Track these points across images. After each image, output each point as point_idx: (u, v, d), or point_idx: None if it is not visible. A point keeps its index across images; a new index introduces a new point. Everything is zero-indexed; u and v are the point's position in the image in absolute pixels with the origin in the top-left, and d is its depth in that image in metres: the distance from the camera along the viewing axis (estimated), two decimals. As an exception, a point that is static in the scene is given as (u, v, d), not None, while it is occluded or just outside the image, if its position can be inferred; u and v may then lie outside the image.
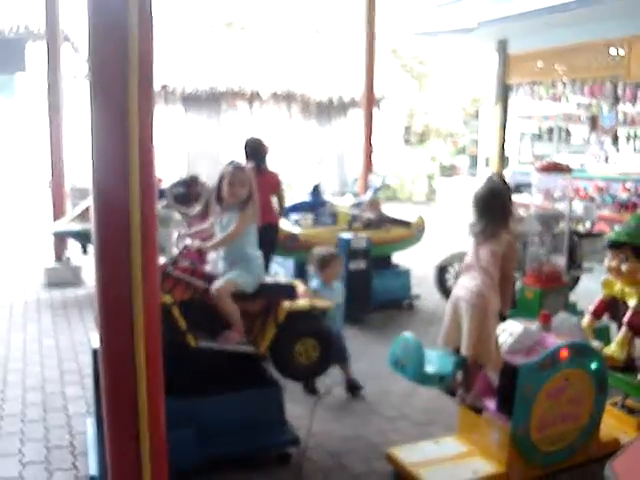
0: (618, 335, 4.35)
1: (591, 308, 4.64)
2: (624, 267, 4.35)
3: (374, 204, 7.67)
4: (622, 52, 8.88)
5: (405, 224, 7.64)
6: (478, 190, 3.80)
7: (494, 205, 3.70)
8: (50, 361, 5.59)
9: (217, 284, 3.80)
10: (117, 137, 2.25)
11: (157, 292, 2.46)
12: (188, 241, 3.95)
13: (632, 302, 4.30)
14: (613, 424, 4.24)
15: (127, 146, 2.25)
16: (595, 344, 4.23)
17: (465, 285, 3.74)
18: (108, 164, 2.29)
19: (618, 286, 4.45)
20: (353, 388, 4.92)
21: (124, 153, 2.26)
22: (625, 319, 4.31)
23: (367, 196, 8.02)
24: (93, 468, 3.53)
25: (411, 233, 7.64)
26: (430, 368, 3.70)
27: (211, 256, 4.14)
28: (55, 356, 5.72)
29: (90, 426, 3.99)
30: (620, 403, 4.54)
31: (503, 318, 3.78)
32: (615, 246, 4.42)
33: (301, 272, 7.26)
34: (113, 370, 2.42)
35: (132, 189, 2.26)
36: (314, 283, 4.81)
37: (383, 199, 8.85)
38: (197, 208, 7.43)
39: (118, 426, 2.47)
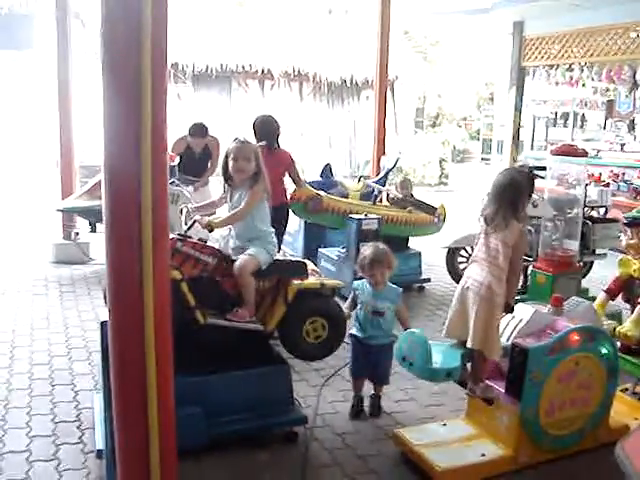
0: (633, 314, 4.31)
1: (606, 287, 4.59)
2: None
3: (405, 184, 7.63)
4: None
5: (430, 209, 7.57)
6: (498, 177, 3.75)
7: (510, 195, 3.64)
8: (58, 337, 5.59)
9: (240, 260, 3.77)
10: (130, 114, 2.20)
11: (167, 268, 2.43)
12: (197, 217, 3.91)
13: None
14: (623, 410, 4.20)
15: (139, 122, 2.20)
16: (607, 323, 4.20)
17: (473, 276, 3.69)
18: (119, 139, 2.26)
19: (636, 265, 4.40)
20: (377, 407, 4.34)
21: (136, 129, 2.21)
22: None
23: (380, 176, 7.96)
24: (100, 442, 3.52)
25: (431, 219, 7.59)
26: (437, 363, 3.65)
27: (219, 232, 4.08)
28: (63, 332, 5.72)
29: (97, 401, 3.99)
30: (631, 390, 4.51)
31: (509, 308, 3.72)
32: (635, 224, 4.38)
33: (310, 249, 7.24)
34: (122, 345, 2.40)
35: (144, 167, 2.21)
36: (361, 291, 4.23)
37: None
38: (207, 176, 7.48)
39: (126, 401, 2.45)
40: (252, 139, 5.34)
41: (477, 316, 3.58)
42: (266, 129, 6.13)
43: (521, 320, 3.78)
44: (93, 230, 7.68)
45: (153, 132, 2.21)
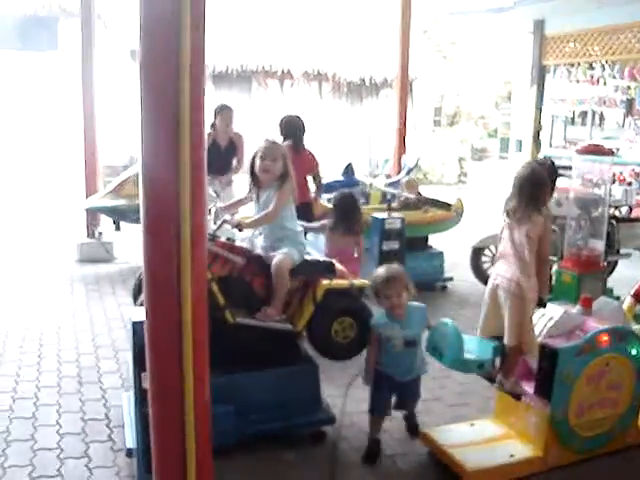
0: None
1: (633, 290, 4.56)
2: None
3: (411, 185, 7.58)
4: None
5: (444, 205, 7.54)
6: (519, 171, 3.75)
7: (532, 188, 3.64)
8: (84, 335, 5.65)
9: (277, 259, 3.80)
10: (168, 110, 2.20)
11: (205, 269, 2.44)
12: (227, 216, 3.93)
13: None
14: (652, 411, 4.17)
15: (177, 126, 2.21)
16: (636, 327, 4.17)
17: (502, 274, 3.69)
18: (157, 139, 2.25)
19: None
20: (415, 427, 4.06)
21: (174, 128, 2.21)
22: None
23: (400, 176, 7.95)
24: (130, 441, 3.55)
25: (450, 215, 7.54)
26: (469, 354, 3.65)
27: (246, 233, 4.11)
28: (89, 330, 5.77)
29: (126, 400, 4.02)
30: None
31: (542, 303, 3.71)
32: None
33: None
34: (159, 346, 2.41)
35: (182, 167, 2.21)
36: (383, 327, 3.72)
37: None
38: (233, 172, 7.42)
39: (163, 402, 2.46)
40: (277, 138, 5.36)
41: (510, 313, 3.58)
42: (292, 128, 6.18)
43: (551, 318, 3.77)
44: (117, 229, 7.75)
45: (191, 132, 2.22)
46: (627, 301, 4.53)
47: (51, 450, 3.75)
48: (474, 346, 3.76)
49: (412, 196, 7.38)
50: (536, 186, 3.65)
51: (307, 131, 6.34)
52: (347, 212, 5.56)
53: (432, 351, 3.78)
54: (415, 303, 3.75)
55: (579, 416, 3.65)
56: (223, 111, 7.24)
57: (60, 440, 3.86)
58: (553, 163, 3.91)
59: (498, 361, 3.74)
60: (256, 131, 15.37)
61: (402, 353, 3.68)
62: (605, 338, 3.63)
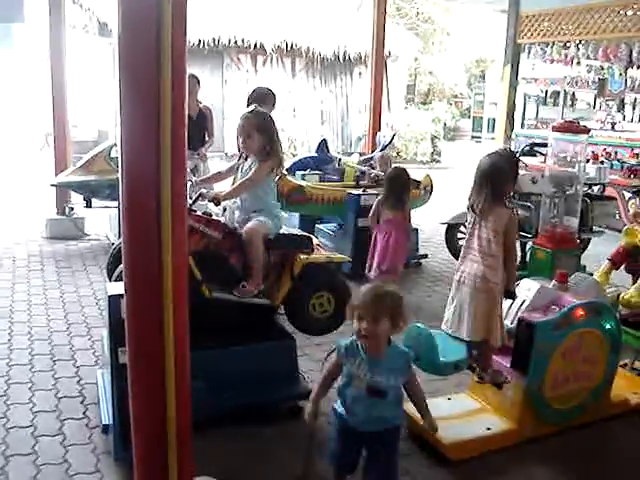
0: (638, 281, 4.35)
1: (610, 255, 4.62)
2: None
3: (385, 160, 7.52)
4: (639, 14, 8.67)
5: (414, 183, 7.52)
6: (480, 164, 3.70)
7: (493, 182, 3.59)
8: (56, 313, 5.56)
9: (249, 225, 3.75)
10: (148, 92, 2.13)
11: (185, 239, 2.38)
12: (203, 190, 3.87)
13: None
14: (623, 385, 4.24)
15: (158, 102, 2.14)
16: (611, 289, 4.23)
17: (467, 270, 3.66)
18: (137, 117, 2.18)
19: None
20: None
21: (155, 109, 2.14)
22: None
23: (375, 153, 7.91)
24: (106, 418, 3.51)
25: (418, 193, 7.52)
26: (444, 356, 3.60)
27: (226, 204, 4.05)
28: (61, 308, 5.69)
29: (100, 377, 3.97)
30: (630, 365, 4.56)
31: (509, 294, 3.71)
32: None
33: (306, 224, 7.20)
34: (139, 320, 2.36)
35: (164, 140, 2.15)
36: (350, 356, 2.78)
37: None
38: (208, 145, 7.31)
39: (143, 376, 2.42)
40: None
41: (477, 309, 3.56)
42: (260, 100, 6.10)
43: (524, 302, 3.79)
44: (88, 205, 7.62)
45: (173, 109, 2.15)
46: (604, 265, 4.59)
47: (25, 428, 3.69)
48: (448, 346, 3.70)
49: (381, 173, 7.33)
50: (498, 179, 3.59)
51: (277, 104, 6.27)
52: (397, 186, 5.79)
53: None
54: (399, 346, 2.88)
55: (554, 389, 3.69)
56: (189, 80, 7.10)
57: (34, 418, 3.80)
58: (515, 154, 3.89)
59: (475, 354, 3.73)
60: (229, 108, 15.34)
61: (361, 399, 2.76)
62: (581, 313, 3.68)
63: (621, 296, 4.31)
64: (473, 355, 3.71)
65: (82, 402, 4.01)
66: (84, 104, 13.09)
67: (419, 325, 3.67)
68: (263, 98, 6.07)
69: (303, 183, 6.90)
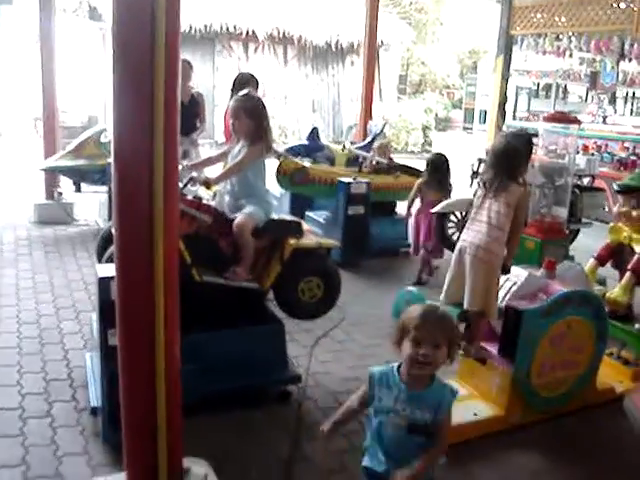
0: (622, 280, 4.37)
1: (596, 253, 4.65)
2: (635, 213, 4.37)
3: (384, 149, 7.55)
4: (631, 6, 8.68)
5: (415, 172, 7.55)
6: (495, 143, 3.78)
7: (508, 161, 3.67)
8: (44, 297, 5.54)
9: (239, 220, 3.76)
10: (141, 78, 2.12)
11: (177, 221, 2.39)
12: (194, 174, 3.87)
13: (639, 248, 4.32)
14: (609, 373, 4.28)
15: (151, 88, 2.13)
16: (597, 288, 4.26)
17: (470, 239, 3.71)
18: (130, 102, 2.17)
19: (626, 232, 4.46)
20: None
21: (148, 96, 2.13)
22: (630, 265, 4.33)
23: (367, 142, 7.91)
24: (94, 400, 3.51)
25: None
26: None
27: (216, 189, 4.06)
28: (49, 292, 5.67)
29: (89, 360, 3.97)
30: (616, 354, 4.60)
31: (505, 269, 3.76)
32: (627, 192, 4.43)
33: (296, 212, 7.22)
34: (130, 300, 2.36)
35: (156, 129, 2.14)
36: (386, 388, 2.38)
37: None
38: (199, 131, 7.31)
39: (133, 358, 2.43)
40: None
41: (476, 279, 3.61)
42: (243, 84, 6.16)
43: (515, 283, 3.82)
44: (78, 190, 7.58)
45: (165, 95, 2.15)
46: (590, 263, 4.61)
47: (13, 410, 3.68)
48: None
49: (384, 160, 7.37)
50: (512, 158, 3.68)
51: (259, 88, 6.35)
52: (439, 170, 6.25)
53: (397, 318, 3.78)
54: (442, 379, 2.43)
55: (541, 376, 3.72)
56: (182, 66, 7.06)
57: (22, 400, 3.79)
58: (529, 134, 3.95)
59: (462, 327, 3.78)
60: (220, 95, 15.26)
61: (396, 438, 2.33)
62: (568, 301, 3.70)
63: (607, 295, 4.34)
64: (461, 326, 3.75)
65: (71, 385, 4.01)
66: (74, 89, 12.99)
67: (410, 288, 3.72)
68: (246, 83, 6.13)
69: (306, 164, 6.92)
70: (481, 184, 3.75)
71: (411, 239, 6.67)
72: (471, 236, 3.71)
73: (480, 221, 3.70)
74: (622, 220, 4.50)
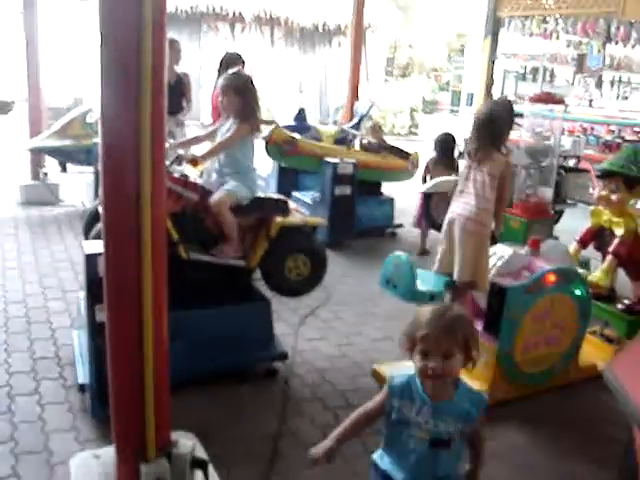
0: (604, 263, 4.42)
1: (578, 236, 4.69)
2: (614, 197, 4.39)
3: (376, 129, 7.58)
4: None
5: (403, 154, 7.56)
6: (478, 112, 3.80)
7: (490, 129, 3.69)
8: (30, 276, 5.53)
9: (216, 196, 3.76)
10: (128, 58, 2.12)
11: (164, 200, 2.39)
12: (181, 151, 3.87)
13: (619, 231, 4.36)
14: (591, 351, 4.34)
15: (138, 68, 2.12)
16: (580, 272, 4.30)
17: (458, 211, 3.75)
18: (117, 84, 2.16)
19: (606, 216, 4.49)
20: None
21: (135, 76, 2.12)
22: (611, 248, 4.37)
23: (353, 123, 7.91)
24: (82, 377, 3.53)
25: (406, 165, 7.59)
26: (421, 286, 3.72)
27: (205, 166, 4.07)
28: (35, 272, 5.65)
29: (77, 337, 3.98)
30: (599, 332, 4.67)
31: (494, 239, 3.80)
32: (607, 176, 4.44)
33: (283, 192, 7.22)
34: (118, 276, 2.37)
35: (143, 109, 2.14)
36: (407, 399, 2.13)
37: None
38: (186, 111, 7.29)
39: (121, 334, 2.43)
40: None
41: (466, 250, 3.66)
42: (230, 65, 6.14)
43: (501, 257, 3.86)
44: (63, 170, 7.53)
45: (153, 76, 2.14)
46: (572, 246, 4.66)
47: (1, 388, 3.68)
48: (426, 280, 3.84)
49: (374, 140, 7.40)
50: (495, 125, 3.71)
51: (246, 67, 6.33)
52: (447, 150, 6.52)
53: (385, 284, 3.81)
54: (468, 384, 2.20)
55: (525, 353, 3.77)
56: (172, 46, 7.03)
57: (9, 378, 3.79)
58: (511, 102, 3.95)
59: (448, 296, 3.83)
60: (206, 75, 15.15)
61: (420, 454, 2.12)
62: (551, 278, 3.75)
63: (589, 278, 4.39)
64: (447, 295, 3.81)
65: (58, 363, 4.02)
66: (59, 69, 12.86)
67: (400, 254, 3.75)
68: (233, 63, 6.11)
69: (296, 135, 6.92)
70: (465, 154, 3.78)
71: (415, 213, 6.92)
72: (460, 208, 3.75)
73: (467, 193, 3.73)
74: (602, 204, 4.53)
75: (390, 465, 2.20)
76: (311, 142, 7.12)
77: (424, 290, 3.71)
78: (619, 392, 1.74)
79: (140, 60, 2.11)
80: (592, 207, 4.73)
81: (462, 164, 3.88)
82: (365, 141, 7.44)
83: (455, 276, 3.74)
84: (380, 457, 2.25)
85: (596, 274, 4.41)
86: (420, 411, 2.10)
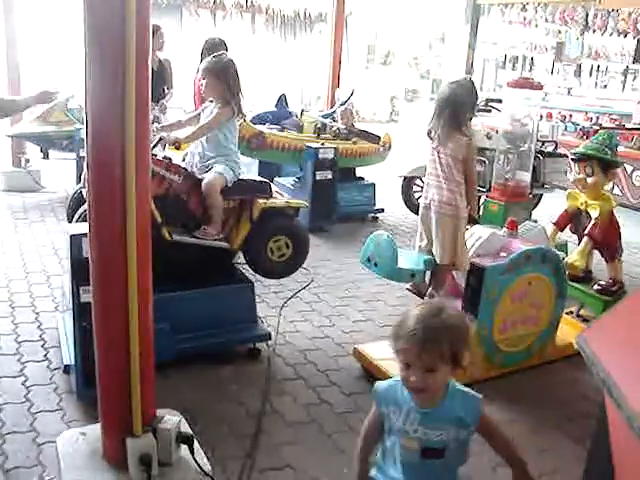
0: (580, 245, 4.51)
1: (555, 219, 4.78)
2: (590, 180, 4.48)
3: (347, 114, 7.57)
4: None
5: (374, 138, 7.58)
6: (439, 91, 3.85)
7: (451, 109, 3.72)
8: (14, 262, 5.53)
9: (208, 179, 3.80)
10: (113, 45, 2.15)
11: (148, 180, 2.42)
12: (163, 134, 3.89)
13: (594, 214, 4.45)
14: (568, 331, 4.42)
15: (123, 55, 2.15)
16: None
17: (431, 197, 3.81)
18: (102, 71, 2.19)
19: (582, 198, 4.58)
20: None
21: (121, 64, 2.16)
22: (587, 230, 4.47)
23: (334, 108, 7.94)
24: (67, 358, 3.56)
25: (377, 148, 7.60)
26: (403, 264, 3.78)
27: (188, 149, 4.10)
28: (19, 257, 5.65)
29: (61, 320, 4.01)
30: (575, 312, 4.77)
31: (473, 220, 3.87)
32: (582, 159, 4.53)
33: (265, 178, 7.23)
34: (103, 256, 2.41)
35: (127, 97, 2.17)
36: (394, 406, 1.99)
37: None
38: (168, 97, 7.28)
39: (107, 314, 2.47)
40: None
41: (444, 234, 3.72)
42: (212, 50, 6.16)
43: (480, 237, 3.93)
44: (45, 157, 7.50)
45: (137, 64, 2.18)
46: (549, 229, 4.75)
47: (-16, 370, 3.72)
48: (407, 258, 3.91)
49: (342, 126, 7.39)
50: (456, 105, 3.73)
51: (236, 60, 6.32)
52: None
53: (366, 262, 3.87)
54: (459, 386, 2.02)
55: (503, 332, 3.85)
56: (155, 32, 7.01)
57: (-7, 361, 3.83)
58: (473, 83, 4.00)
59: (428, 276, 3.90)
60: (187, 61, 15.08)
61: (410, 463, 1.99)
62: (529, 258, 3.83)
63: (565, 260, 4.48)
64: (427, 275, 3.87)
65: (43, 346, 4.04)
66: (41, 56, 12.74)
67: (381, 232, 3.80)
68: (215, 48, 6.12)
69: (264, 129, 6.91)
70: (428, 134, 3.82)
71: None
72: (432, 193, 3.81)
73: (437, 176, 3.78)
74: (578, 187, 4.62)
75: (383, 477, 2.05)
76: (279, 134, 7.08)
77: (405, 268, 3.78)
78: (590, 359, 1.81)
79: (125, 46, 2.15)
80: (568, 190, 4.82)
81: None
82: (334, 128, 7.39)
83: (437, 259, 3.81)
84: (375, 469, 2.10)
85: (572, 256, 4.51)
86: (407, 418, 1.95)
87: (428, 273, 4.01)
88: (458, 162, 3.70)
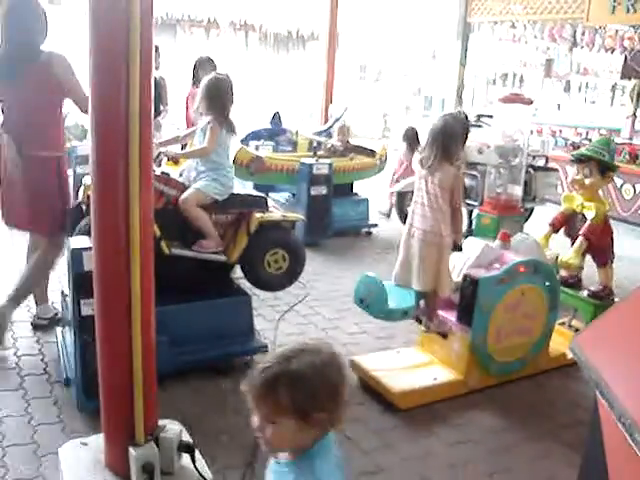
0: (575, 244, 4.60)
1: (550, 220, 4.88)
2: (587, 180, 4.60)
3: (343, 131, 7.66)
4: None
5: (369, 152, 7.67)
6: (433, 123, 3.91)
7: (444, 140, 3.78)
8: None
9: (184, 195, 3.87)
10: (118, 58, 2.22)
11: (151, 194, 2.48)
12: (163, 149, 3.96)
13: (590, 214, 4.56)
14: (561, 341, 4.48)
15: (127, 69, 2.22)
16: (549, 252, 4.48)
17: (416, 225, 3.83)
18: (108, 87, 2.26)
19: (578, 200, 4.69)
20: None
21: (125, 80, 2.22)
22: (582, 231, 4.56)
23: (328, 125, 8.03)
24: (68, 371, 3.60)
25: (374, 162, 7.70)
26: (393, 303, 3.84)
27: (187, 164, 4.16)
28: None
29: (60, 334, 4.04)
30: (567, 323, 4.84)
31: (457, 248, 3.92)
32: (582, 160, 4.65)
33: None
34: (107, 270, 2.45)
35: (132, 110, 2.23)
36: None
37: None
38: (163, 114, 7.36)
39: (111, 327, 2.51)
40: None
41: (428, 262, 3.75)
42: (201, 68, 6.32)
43: (469, 258, 3.99)
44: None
45: (141, 79, 2.24)
46: (545, 230, 4.83)
47: (-17, 384, 3.74)
48: (397, 294, 3.93)
49: (338, 144, 7.47)
50: (448, 138, 3.79)
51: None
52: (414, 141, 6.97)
53: (359, 303, 3.93)
54: (317, 458, 1.64)
55: (497, 342, 3.91)
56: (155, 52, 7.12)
57: (-7, 375, 3.85)
58: (466, 116, 4.12)
59: (422, 304, 3.95)
60: (181, 78, 15.18)
61: None
62: (522, 269, 3.90)
63: (559, 258, 4.56)
64: (421, 306, 3.92)
65: (42, 359, 4.06)
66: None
67: (369, 274, 3.86)
68: (203, 65, 6.29)
69: (261, 154, 6.97)
70: (419, 163, 3.88)
71: None
72: (417, 221, 3.83)
73: (422, 204, 3.81)
74: (575, 188, 4.74)
75: None
76: (276, 156, 7.16)
77: (396, 308, 3.84)
78: (582, 361, 1.88)
79: (129, 66, 2.21)
80: (565, 192, 4.92)
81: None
82: (329, 145, 7.48)
83: (414, 286, 3.84)
84: None
85: (568, 254, 4.59)
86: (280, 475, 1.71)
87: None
88: (445, 192, 3.75)
